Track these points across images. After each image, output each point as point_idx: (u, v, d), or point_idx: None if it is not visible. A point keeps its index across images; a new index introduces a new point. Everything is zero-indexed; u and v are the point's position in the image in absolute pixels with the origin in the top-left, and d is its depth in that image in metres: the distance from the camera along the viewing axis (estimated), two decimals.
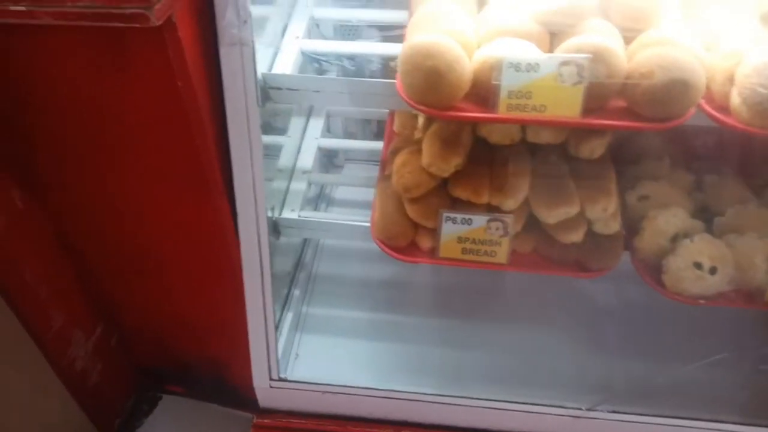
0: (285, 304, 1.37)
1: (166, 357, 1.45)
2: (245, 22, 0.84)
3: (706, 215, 1.08)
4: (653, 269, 1.04)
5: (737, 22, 0.92)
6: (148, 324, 1.37)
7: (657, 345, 1.32)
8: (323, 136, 1.47)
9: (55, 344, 1.23)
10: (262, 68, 1.01)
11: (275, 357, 1.20)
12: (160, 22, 0.73)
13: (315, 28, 1.31)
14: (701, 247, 0.98)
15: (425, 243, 1.08)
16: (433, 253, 1.06)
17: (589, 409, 1.18)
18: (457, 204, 1.05)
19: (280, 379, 1.24)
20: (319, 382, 1.25)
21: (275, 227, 1.19)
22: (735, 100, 0.85)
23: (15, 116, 0.94)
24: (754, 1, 0.93)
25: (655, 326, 1.33)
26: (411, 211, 1.05)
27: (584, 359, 1.32)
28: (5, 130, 0.96)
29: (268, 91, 1.00)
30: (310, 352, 1.35)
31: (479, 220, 1.00)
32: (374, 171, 1.22)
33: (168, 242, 1.14)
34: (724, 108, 0.87)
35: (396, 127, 1.26)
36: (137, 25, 0.71)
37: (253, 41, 0.86)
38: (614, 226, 1.03)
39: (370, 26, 1.37)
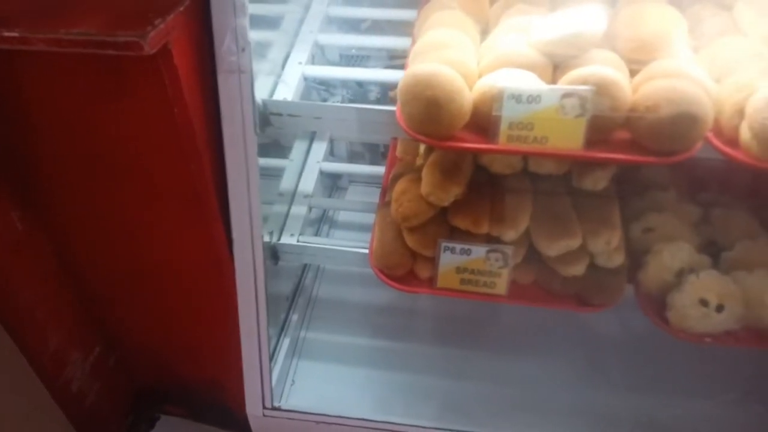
0: (282, 329, 1.35)
1: (165, 378, 1.44)
2: (244, 49, 0.83)
3: (712, 249, 1.04)
4: (657, 304, 1.01)
5: (747, 54, 0.90)
6: (146, 344, 1.36)
7: (662, 379, 1.28)
8: (326, 158, 1.46)
9: (51, 365, 1.22)
10: (263, 94, 1.00)
11: (269, 385, 1.18)
12: (155, 51, 0.72)
13: (319, 55, 1.31)
14: (708, 284, 0.95)
15: (424, 272, 1.05)
16: (431, 282, 1.04)
17: None
18: (456, 233, 1.03)
19: (274, 408, 1.22)
20: (313, 411, 1.22)
21: (274, 252, 1.18)
22: (745, 134, 0.82)
23: (14, 139, 0.94)
24: (765, 31, 0.91)
25: (661, 359, 1.29)
26: (410, 240, 1.03)
27: (588, 392, 1.29)
28: (5, 152, 0.96)
29: (268, 116, 0.99)
30: (306, 379, 1.33)
31: (478, 250, 0.98)
32: (377, 193, 1.21)
33: (164, 265, 1.14)
34: (733, 141, 0.84)
35: (399, 153, 1.25)
36: (131, 54, 0.71)
37: (252, 69, 0.85)
38: (617, 260, 1.00)
39: (374, 54, 1.36)
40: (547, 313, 1.35)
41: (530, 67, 0.87)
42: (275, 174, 1.32)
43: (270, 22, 1.15)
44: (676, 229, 1.04)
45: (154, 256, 1.11)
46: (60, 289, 1.20)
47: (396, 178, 1.13)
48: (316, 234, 1.56)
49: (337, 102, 1.46)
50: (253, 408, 1.22)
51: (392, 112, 0.91)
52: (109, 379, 1.40)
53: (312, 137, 1.48)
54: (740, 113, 0.83)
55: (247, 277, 1.04)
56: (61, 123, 0.91)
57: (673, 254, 0.99)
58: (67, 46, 0.71)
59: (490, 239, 1.00)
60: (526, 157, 1.00)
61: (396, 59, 1.34)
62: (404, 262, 1.05)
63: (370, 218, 1.18)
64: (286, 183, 1.33)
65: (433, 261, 1.02)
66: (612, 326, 1.35)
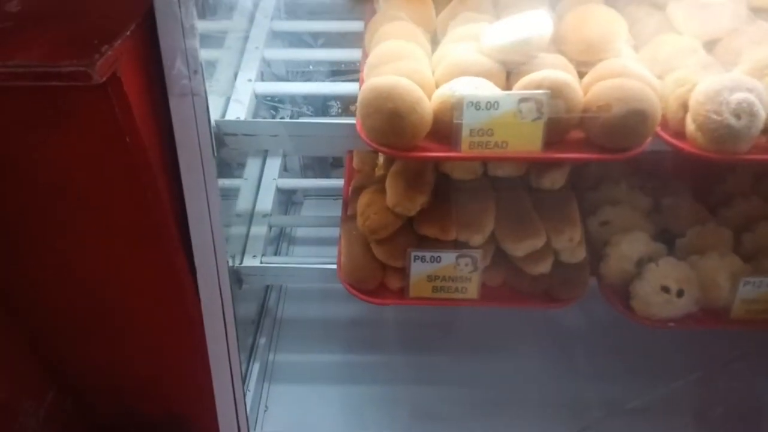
0: (251, 355, 1.32)
1: (129, 417, 1.37)
2: (196, 72, 0.80)
3: (665, 237, 1.09)
4: (620, 294, 1.04)
5: (684, 50, 0.95)
6: (106, 384, 1.29)
7: (628, 365, 1.32)
8: (281, 175, 1.43)
9: (0, 418, 1.14)
10: (215, 114, 0.98)
11: (244, 415, 1.14)
12: (104, 79, 0.68)
13: (267, 70, 1.28)
14: (667, 271, 0.99)
15: (394, 283, 1.05)
16: (403, 293, 1.04)
17: None
18: (424, 242, 1.03)
19: None
20: None
21: (237, 276, 1.14)
22: (690, 126, 0.87)
23: None
24: (701, 29, 0.96)
25: (625, 346, 1.33)
26: (378, 252, 1.03)
27: (558, 384, 1.32)
28: None
29: (222, 137, 0.96)
30: (280, 403, 1.30)
31: (448, 257, 0.99)
32: (334, 206, 1.20)
33: (123, 300, 1.08)
34: (679, 133, 0.89)
35: (355, 164, 1.24)
36: (78, 84, 0.67)
37: (205, 91, 0.82)
38: (580, 255, 1.03)
39: (322, 67, 1.35)
40: (514, 312, 1.38)
41: (485, 74, 0.88)
42: (231, 194, 1.28)
43: (215, 41, 1.12)
44: (631, 220, 1.08)
45: (112, 292, 1.05)
46: (8, 334, 1.12)
47: (357, 191, 1.12)
48: (276, 252, 1.53)
49: (287, 117, 1.44)
50: None
51: (352, 125, 0.90)
52: (67, 423, 1.31)
53: (265, 154, 1.45)
54: (684, 107, 0.88)
55: (214, 305, 1.00)
56: (4, 157, 0.84)
57: (630, 245, 1.03)
58: (6, 79, 0.67)
59: (457, 245, 1.01)
60: (486, 161, 1.01)
61: (342, 70, 1.34)
62: (374, 275, 1.05)
63: (329, 231, 1.17)
64: (242, 203, 1.30)
65: (402, 271, 1.02)
66: (574, 318, 1.39)
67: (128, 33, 0.73)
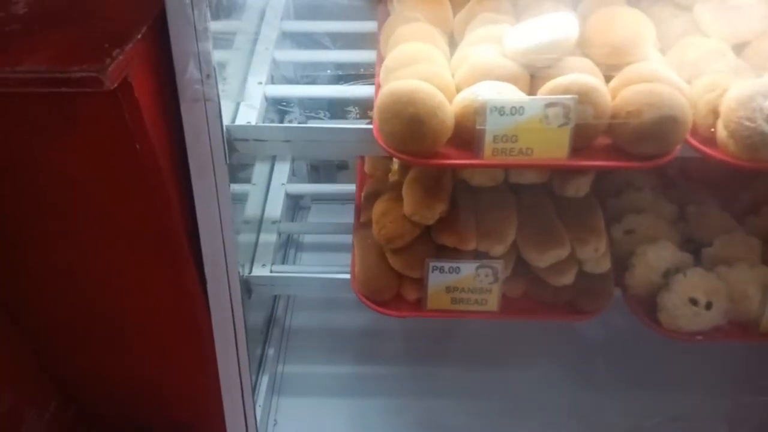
0: (260, 367, 1.28)
1: (133, 427, 1.34)
2: (208, 76, 0.77)
3: (691, 246, 1.06)
4: (646, 305, 1.01)
5: (712, 53, 0.91)
6: (110, 394, 1.27)
7: (654, 380, 1.29)
8: (289, 180, 1.40)
9: (4, 427, 1.11)
10: (225, 119, 0.94)
11: (254, 428, 1.10)
12: (115, 85, 0.65)
13: (278, 73, 1.25)
14: (695, 282, 0.95)
15: (411, 294, 1.01)
16: (420, 304, 1.00)
17: None
18: (442, 251, 0.99)
19: None
20: None
21: (246, 286, 1.10)
22: (721, 133, 0.83)
23: None
24: (729, 31, 0.93)
25: (644, 358, 1.30)
26: (394, 262, 0.99)
27: (578, 400, 1.28)
28: None
29: (233, 143, 0.92)
30: (289, 417, 1.26)
31: (468, 267, 0.95)
32: (342, 210, 1.16)
33: (130, 309, 1.05)
34: (709, 140, 0.85)
35: (367, 169, 1.21)
36: (89, 90, 0.64)
37: (218, 96, 0.79)
38: (605, 265, 1.00)
39: (340, 72, 1.32)
40: (532, 322, 1.34)
41: (508, 78, 0.85)
42: (239, 200, 1.25)
43: (225, 43, 1.09)
44: (657, 228, 1.04)
45: (119, 300, 1.02)
46: (10, 344, 1.09)
47: (370, 197, 1.09)
48: (284, 260, 1.49)
49: (295, 121, 1.41)
50: None
51: (369, 130, 0.87)
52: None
53: (273, 158, 1.41)
54: (714, 112, 0.85)
55: (224, 316, 0.96)
56: (10, 164, 0.81)
57: (657, 255, 0.99)
58: (14, 85, 0.63)
59: (477, 255, 0.97)
60: (509, 168, 0.98)
61: (361, 74, 1.30)
62: (390, 286, 1.01)
63: (338, 238, 1.13)
64: (251, 209, 1.26)
65: (419, 282, 0.98)
66: (594, 329, 1.35)
67: (139, 36, 0.70)
